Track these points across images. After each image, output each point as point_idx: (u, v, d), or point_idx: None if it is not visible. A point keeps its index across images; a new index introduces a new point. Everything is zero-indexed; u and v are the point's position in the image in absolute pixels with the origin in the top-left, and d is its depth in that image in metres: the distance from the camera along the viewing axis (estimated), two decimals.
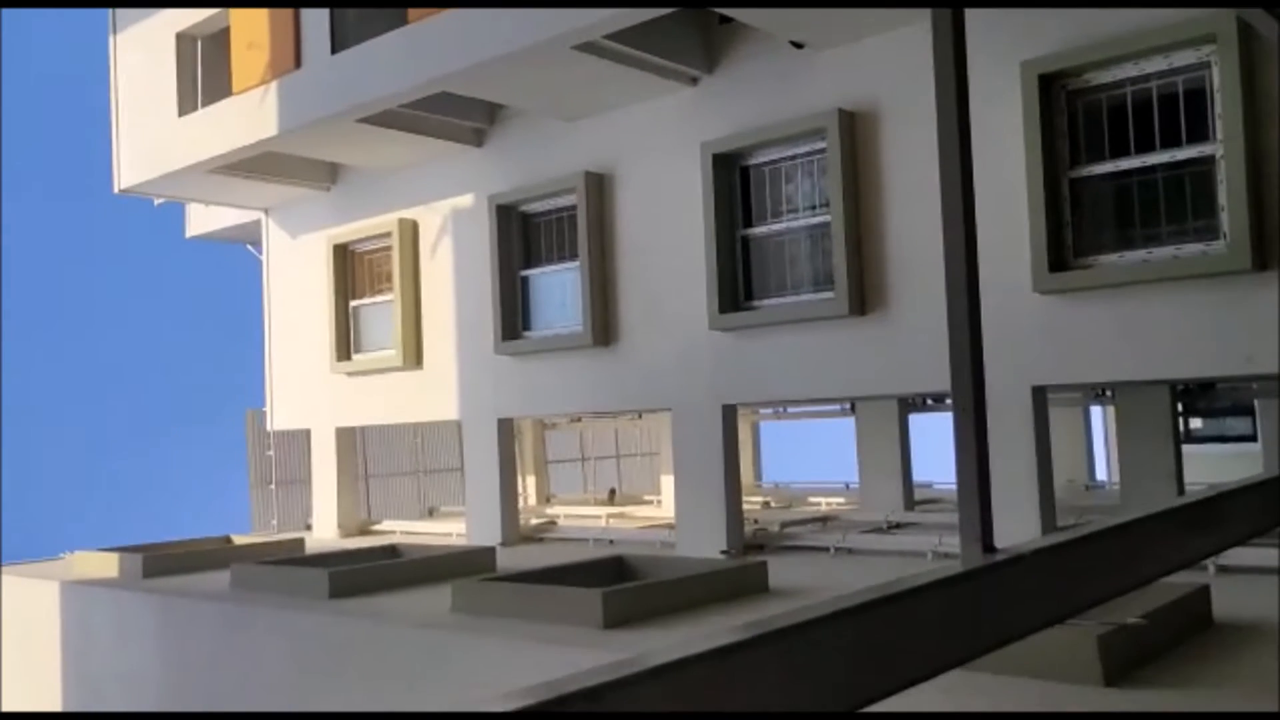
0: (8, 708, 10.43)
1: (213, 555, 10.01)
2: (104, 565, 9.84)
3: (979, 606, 1.50)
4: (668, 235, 9.66)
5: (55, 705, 9.55)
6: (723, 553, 9.27)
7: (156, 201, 14.65)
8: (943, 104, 1.73)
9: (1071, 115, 7.49)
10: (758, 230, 9.24)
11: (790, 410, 15.55)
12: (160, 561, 9.65)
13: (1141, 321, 7.13)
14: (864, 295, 8.45)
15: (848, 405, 13.56)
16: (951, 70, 1.71)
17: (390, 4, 9.50)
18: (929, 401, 12.52)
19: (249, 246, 15.17)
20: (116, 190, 12.38)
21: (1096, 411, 16.46)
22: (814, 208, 8.95)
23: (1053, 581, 1.63)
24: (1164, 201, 7.15)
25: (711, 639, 1.11)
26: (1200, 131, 6.99)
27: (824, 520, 11.41)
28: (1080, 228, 7.48)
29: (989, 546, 1.62)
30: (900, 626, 1.36)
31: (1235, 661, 4.96)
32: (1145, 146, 7.22)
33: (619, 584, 7.23)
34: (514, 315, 10.94)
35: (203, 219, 15.42)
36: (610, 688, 0.98)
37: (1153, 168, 7.20)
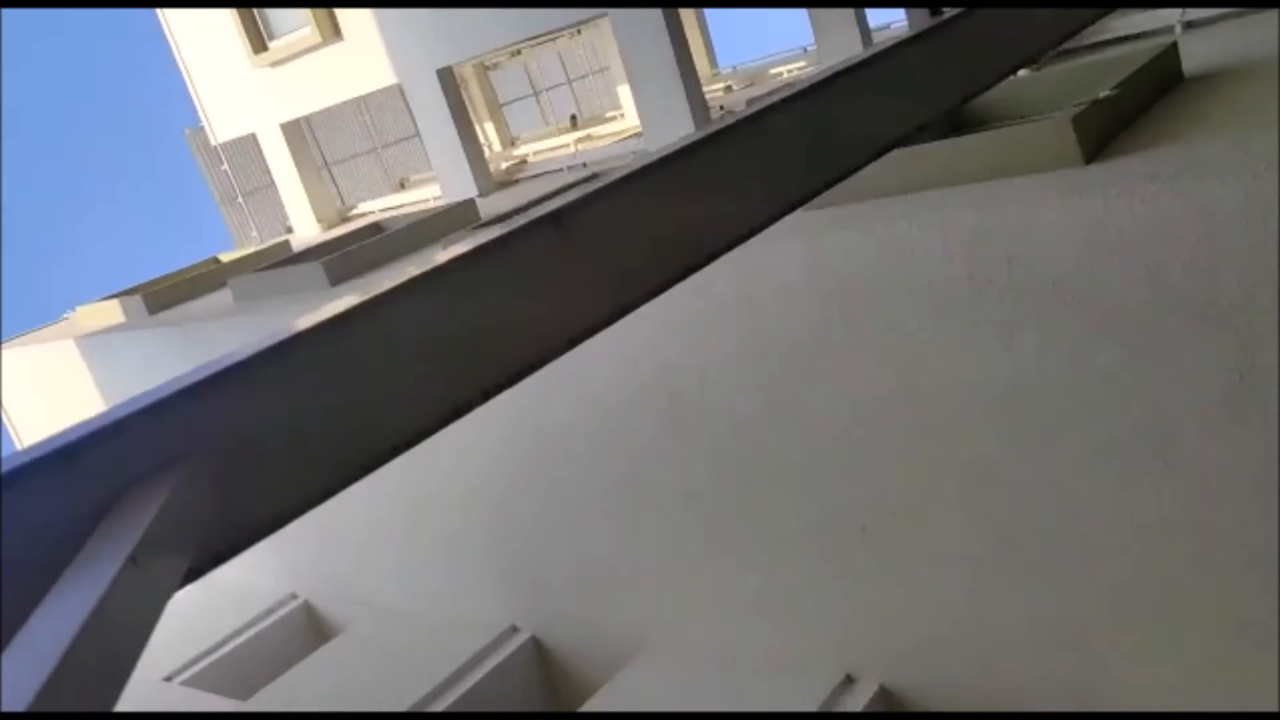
0: None
1: (207, 278, 10.08)
2: (107, 313, 9.96)
3: (935, 66, 1.47)
4: None
5: None
6: None
7: None
8: None
9: None
10: None
11: None
12: (160, 296, 9.74)
13: None
14: None
15: None
16: None
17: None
18: None
19: None
20: None
21: None
22: None
23: (1007, 28, 1.59)
24: None
25: (678, 142, 1.09)
26: None
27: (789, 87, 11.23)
28: None
29: (936, 10, 1.57)
30: (859, 98, 1.34)
31: (1208, 110, 5.02)
32: None
33: None
34: None
35: None
36: (574, 208, 0.98)
37: None
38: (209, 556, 0.72)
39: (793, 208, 1.20)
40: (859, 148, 1.29)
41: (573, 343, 0.96)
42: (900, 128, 1.33)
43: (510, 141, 14.35)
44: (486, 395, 0.89)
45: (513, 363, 0.92)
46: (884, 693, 5.29)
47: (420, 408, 0.86)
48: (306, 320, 0.79)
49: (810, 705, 5.20)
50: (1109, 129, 4.96)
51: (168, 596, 0.63)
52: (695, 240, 1.09)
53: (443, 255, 0.89)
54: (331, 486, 0.79)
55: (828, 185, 1.24)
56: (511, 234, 0.93)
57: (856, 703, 5.22)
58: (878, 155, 1.29)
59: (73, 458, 0.65)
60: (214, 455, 0.72)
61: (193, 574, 0.73)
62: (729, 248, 1.12)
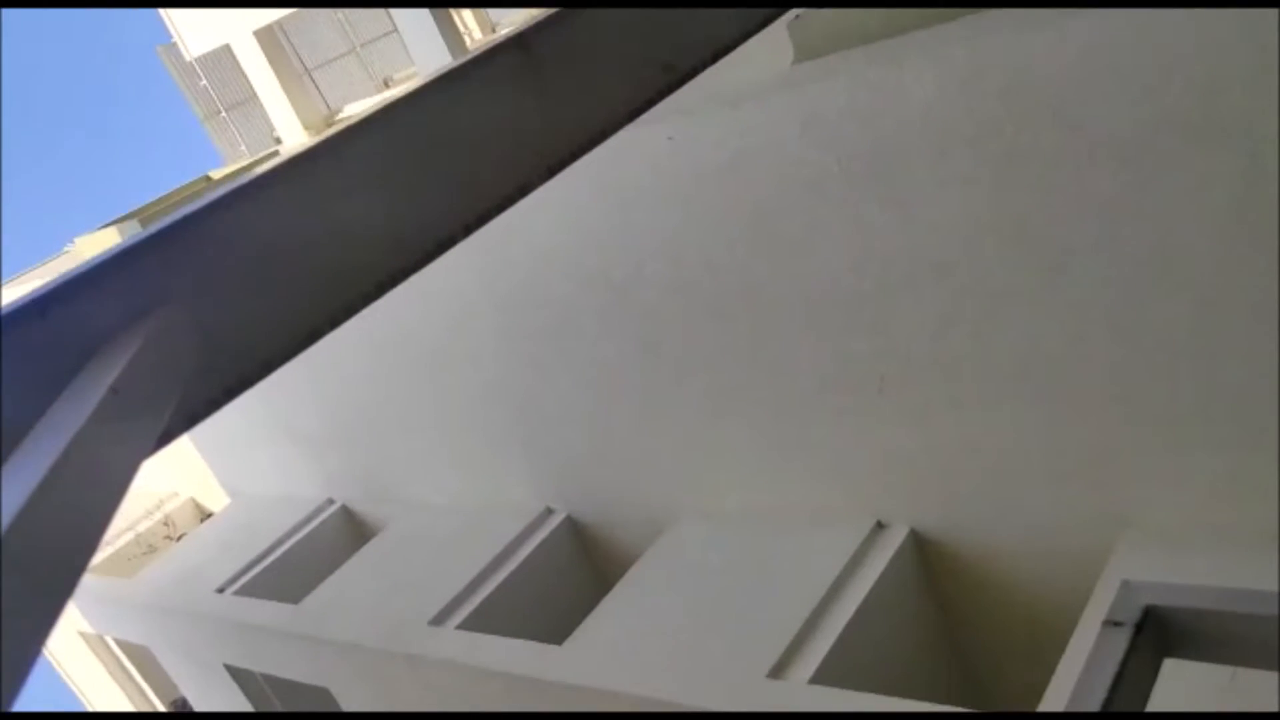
0: None
1: (200, 197, 10.02)
2: (106, 241, 9.93)
3: None
4: None
5: None
6: None
7: None
8: None
9: None
10: None
11: None
12: (156, 219, 9.68)
13: None
14: None
15: None
16: None
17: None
18: None
19: None
20: None
21: None
22: None
23: None
24: None
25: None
26: None
27: None
28: None
29: None
30: None
31: None
32: None
33: None
34: None
35: None
36: (539, 29, 0.95)
37: None
38: (202, 401, 0.72)
39: (767, 21, 1.15)
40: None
41: (552, 171, 0.94)
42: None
43: (491, 28, 13.98)
44: (469, 229, 0.87)
45: (492, 193, 0.90)
46: (914, 535, 5.40)
47: (401, 242, 0.85)
48: (271, 163, 0.78)
49: (845, 553, 5.32)
50: None
51: (154, 432, 0.63)
52: (669, 57, 1.05)
53: (405, 86, 0.86)
54: (318, 327, 0.79)
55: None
56: (474, 60, 0.90)
57: (889, 546, 5.34)
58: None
59: (48, 309, 0.65)
60: (192, 300, 0.71)
61: (190, 419, 0.73)
62: (704, 65, 1.09)
